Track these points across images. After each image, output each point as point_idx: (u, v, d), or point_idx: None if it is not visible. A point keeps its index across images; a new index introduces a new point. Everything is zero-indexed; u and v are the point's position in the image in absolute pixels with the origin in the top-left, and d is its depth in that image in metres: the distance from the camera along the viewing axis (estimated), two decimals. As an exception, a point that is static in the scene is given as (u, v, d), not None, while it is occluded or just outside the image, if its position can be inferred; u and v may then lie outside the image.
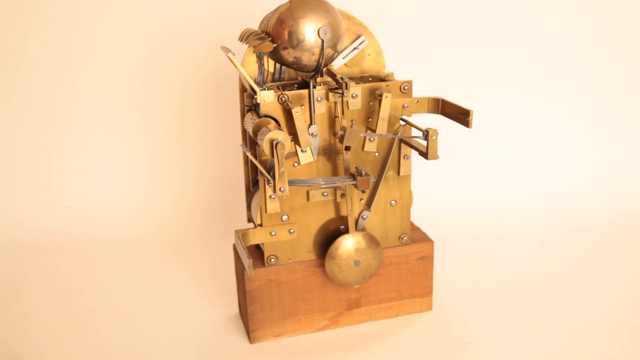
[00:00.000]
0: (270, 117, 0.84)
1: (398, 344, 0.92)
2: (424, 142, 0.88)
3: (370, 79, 0.93)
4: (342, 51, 0.91)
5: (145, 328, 0.98)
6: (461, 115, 0.87)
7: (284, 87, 0.90)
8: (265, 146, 0.78)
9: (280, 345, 0.93)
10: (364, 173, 0.85)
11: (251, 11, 1.28)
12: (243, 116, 0.92)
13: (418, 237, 0.99)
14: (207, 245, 1.25)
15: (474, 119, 1.34)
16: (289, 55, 0.83)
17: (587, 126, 1.48)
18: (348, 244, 0.91)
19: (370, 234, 0.92)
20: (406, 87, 0.89)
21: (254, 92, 0.81)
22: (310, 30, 0.82)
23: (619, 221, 1.31)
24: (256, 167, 0.91)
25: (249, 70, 0.89)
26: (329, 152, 0.88)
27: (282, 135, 0.78)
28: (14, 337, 0.96)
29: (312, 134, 0.85)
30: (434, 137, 0.85)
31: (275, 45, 0.83)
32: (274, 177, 0.79)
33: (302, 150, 0.85)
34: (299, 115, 0.82)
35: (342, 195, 0.90)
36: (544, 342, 0.92)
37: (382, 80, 0.93)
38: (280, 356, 0.90)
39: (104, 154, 1.36)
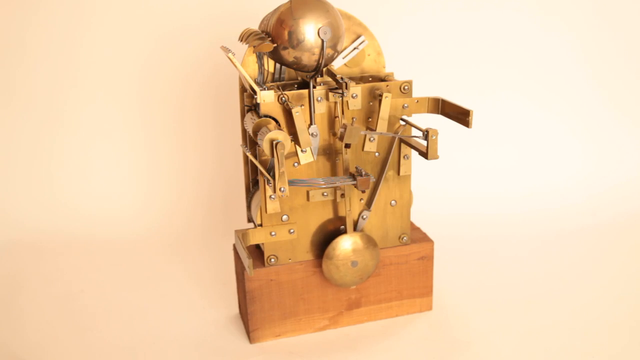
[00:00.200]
0: (270, 117, 0.84)
1: (398, 344, 0.92)
2: (424, 142, 0.88)
3: (370, 79, 0.93)
4: (342, 51, 0.91)
5: (145, 328, 0.98)
6: (461, 115, 0.87)
7: (284, 87, 0.90)
8: (265, 146, 0.78)
9: (280, 345, 0.93)
10: (364, 173, 0.85)
11: (251, 11, 1.27)
12: (243, 116, 0.92)
13: (418, 237, 0.99)
14: (207, 245, 1.25)
15: (474, 119, 1.34)
16: (289, 55, 0.83)
17: (587, 126, 1.48)
18: (346, 244, 0.91)
19: (368, 234, 0.92)
20: (406, 87, 0.89)
21: (254, 92, 0.81)
22: (310, 30, 0.82)
23: (619, 221, 1.31)
24: (256, 167, 0.91)
25: (249, 70, 0.89)
26: (329, 152, 0.88)
27: (282, 135, 0.78)
28: (14, 337, 0.96)
29: (312, 134, 0.85)
30: (434, 137, 0.85)
31: (275, 45, 0.83)
32: (274, 177, 0.79)
33: (302, 150, 0.85)
34: (299, 115, 0.82)
35: (342, 196, 0.90)
36: (544, 342, 0.92)
37: (382, 80, 0.93)
38: (280, 356, 0.90)
39: (104, 154, 1.36)
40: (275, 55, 0.84)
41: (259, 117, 0.84)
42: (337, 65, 0.91)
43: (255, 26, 0.95)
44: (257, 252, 0.96)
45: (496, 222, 1.32)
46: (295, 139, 0.84)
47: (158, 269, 1.16)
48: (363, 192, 0.86)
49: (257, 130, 0.81)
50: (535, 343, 0.92)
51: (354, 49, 0.91)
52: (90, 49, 1.31)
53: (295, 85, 0.90)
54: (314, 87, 0.85)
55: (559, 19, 1.42)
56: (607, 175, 1.45)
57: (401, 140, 0.91)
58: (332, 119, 0.87)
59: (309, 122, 0.85)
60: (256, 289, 0.91)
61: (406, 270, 0.97)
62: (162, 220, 1.33)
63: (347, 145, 0.86)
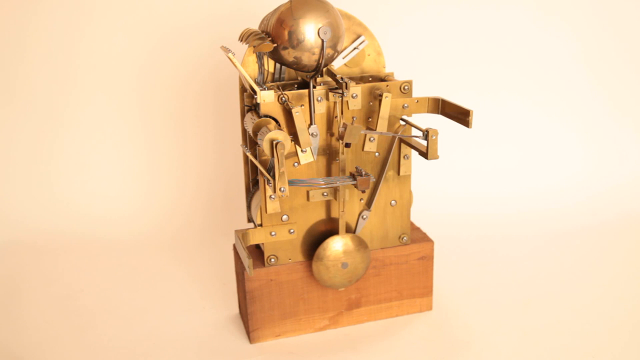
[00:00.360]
0: (270, 117, 0.83)
1: (398, 344, 0.92)
2: (424, 142, 0.88)
3: (370, 79, 0.93)
4: (342, 51, 0.91)
5: (145, 328, 0.98)
6: (461, 115, 0.87)
7: (284, 87, 0.90)
8: (265, 146, 0.78)
9: (280, 345, 0.93)
10: (364, 173, 0.85)
11: (251, 11, 1.28)
12: (243, 116, 0.92)
13: (418, 237, 0.99)
14: (207, 246, 1.25)
15: (474, 119, 1.34)
16: (289, 55, 0.83)
17: (588, 126, 1.48)
18: (336, 245, 0.91)
19: (360, 236, 0.92)
20: (406, 87, 0.89)
21: (254, 92, 0.81)
22: (310, 30, 0.82)
23: (619, 221, 1.31)
24: (256, 167, 0.91)
25: (249, 70, 0.89)
26: (329, 152, 0.88)
27: (282, 135, 0.78)
28: (14, 337, 0.96)
29: (312, 134, 0.85)
30: (434, 137, 0.85)
31: (275, 45, 0.83)
32: (274, 177, 0.79)
33: (302, 150, 0.85)
34: (299, 115, 0.82)
35: (335, 197, 0.90)
36: (544, 342, 0.92)
37: (382, 80, 0.93)
38: (280, 356, 0.90)
39: (104, 154, 1.36)
40: (275, 55, 0.84)
41: (259, 117, 0.84)
42: (337, 65, 0.91)
43: (255, 26, 0.95)
44: (257, 252, 0.96)
45: (496, 222, 1.32)
46: (295, 139, 0.84)
47: (158, 269, 1.16)
48: (363, 192, 0.86)
49: (257, 130, 0.81)
50: (535, 343, 0.92)
51: (354, 49, 0.91)
52: (90, 49, 1.31)
53: (295, 85, 0.90)
54: (314, 87, 0.85)
55: (559, 19, 1.42)
56: (608, 176, 1.45)
57: (401, 140, 0.91)
58: (332, 119, 0.87)
59: (309, 122, 0.85)
60: (256, 289, 0.91)
61: (406, 270, 0.97)
62: (162, 220, 1.33)
63: (347, 145, 0.86)
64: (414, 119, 1.06)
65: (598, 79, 1.46)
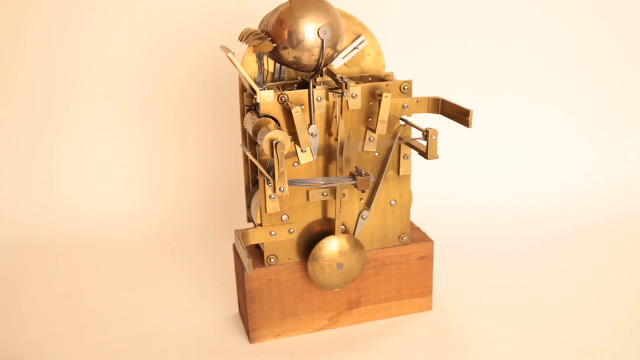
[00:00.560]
0: (270, 117, 0.84)
1: (398, 344, 0.92)
2: (424, 142, 0.88)
3: (370, 79, 0.93)
4: (342, 51, 0.91)
5: (145, 328, 0.98)
6: (461, 115, 0.87)
7: (284, 87, 0.90)
8: (265, 146, 0.78)
9: (280, 345, 0.93)
10: (364, 173, 0.85)
11: (251, 11, 1.28)
12: (243, 116, 0.92)
13: (418, 237, 0.99)
14: (207, 245, 1.25)
15: (475, 119, 1.34)
16: (289, 55, 0.83)
17: (588, 126, 1.48)
18: (332, 246, 0.91)
19: (356, 237, 0.92)
20: (406, 87, 0.89)
21: (254, 92, 0.81)
22: (310, 30, 0.82)
23: (619, 221, 1.31)
24: (256, 167, 0.91)
25: (249, 70, 0.89)
26: (329, 152, 0.88)
27: (282, 135, 0.78)
28: (14, 337, 0.96)
29: (312, 134, 0.85)
30: (434, 137, 0.85)
31: (275, 45, 0.83)
32: (274, 177, 0.79)
33: (302, 150, 0.85)
34: (299, 115, 0.82)
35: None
36: (544, 342, 0.92)
37: (382, 80, 0.93)
38: (280, 356, 0.90)
39: (104, 154, 1.36)
40: (275, 55, 0.84)
41: (259, 117, 0.84)
42: (337, 65, 0.91)
43: (255, 26, 0.95)
44: (257, 252, 0.96)
45: (497, 222, 1.32)
46: (295, 139, 0.84)
47: (158, 269, 1.16)
48: (363, 192, 0.86)
49: (257, 130, 0.81)
50: (535, 343, 0.92)
51: (354, 49, 0.91)
52: (90, 49, 1.31)
53: (295, 85, 0.90)
54: (314, 87, 0.85)
55: (560, 19, 1.42)
56: (608, 176, 1.45)
57: (401, 140, 0.91)
58: (332, 119, 0.87)
59: (309, 122, 0.85)
60: (256, 289, 0.91)
61: (406, 270, 0.97)
62: (162, 220, 1.33)
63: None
64: (414, 119, 1.06)
65: (598, 79, 1.46)
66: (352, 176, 0.86)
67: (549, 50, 1.43)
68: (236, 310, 1.02)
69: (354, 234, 0.93)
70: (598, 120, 1.48)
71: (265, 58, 0.88)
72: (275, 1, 0.99)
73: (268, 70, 0.89)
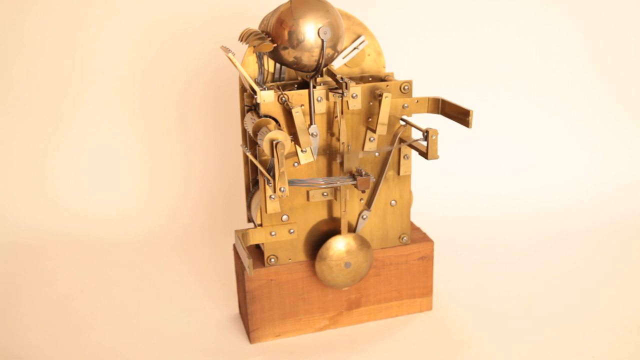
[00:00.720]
0: (270, 117, 0.84)
1: (398, 344, 0.92)
2: (424, 143, 0.88)
3: (370, 79, 0.93)
4: (342, 51, 0.91)
5: (145, 328, 0.98)
6: (461, 115, 0.87)
7: (284, 87, 0.90)
8: (265, 146, 0.78)
9: (280, 345, 0.93)
10: (364, 173, 0.85)
11: (251, 11, 1.28)
12: (243, 116, 0.92)
13: (418, 237, 0.99)
14: (208, 245, 1.25)
15: (477, 119, 1.34)
16: (289, 55, 0.83)
17: (593, 127, 1.47)
18: (339, 245, 0.91)
19: (362, 236, 0.92)
20: (406, 87, 0.89)
21: (254, 92, 0.81)
22: (310, 30, 0.82)
23: (623, 223, 1.30)
24: (256, 167, 0.91)
25: (249, 70, 0.89)
26: (329, 152, 0.88)
27: (282, 135, 0.78)
28: (14, 338, 0.96)
29: (312, 134, 0.85)
30: (434, 137, 0.85)
31: (275, 45, 0.83)
32: (274, 177, 0.79)
33: (302, 150, 0.85)
34: (299, 115, 0.82)
35: (335, 197, 0.90)
36: (544, 343, 0.92)
37: (382, 80, 0.93)
38: (280, 356, 0.90)
39: (104, 155, 1.36)
40: (275, 55, 0.84)
41: (259, 117, 0.84)
42: (337, 65, 0.91)
43: (255, 26, 0.95)
44: (257, 252, 0.96)
45: (497, 223, 1.32)
46: (295, 139, 0.84)
47: (158, 269, 1.16)
48: (363, 192, 0.86)
49: (257, 130, 0.81)
50: (535, 343, 0.92)
51: (354, 49, 0.91)
52: (92, 50, 1.31)
53: (295, 85, 0.90)
54: (314, 87, 0.85)
55: (566, 16, 1.41)
56: (612, 178, 1.44)
57: (401, 140, 0.91)
58: (332, 119, 0.87)
59: (309, 122, 0.85)
60: (256, 289, 0.91)
61: (406, 270, 0.97)
62: (162, 220, 1.33)
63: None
64: (414, 119, 1.06)
65: (605, 80, 1.46)
66: (352, 176, 0.86)
67: (553, 50, 1.43)
68: (236, 310, 1.02)
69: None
70: (604, 121, 1.47)
71: (265, 58, 0.89)
72: (275, 1, 0.99)
73: (268, 70, 0.89)
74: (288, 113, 0.84)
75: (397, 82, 0.88)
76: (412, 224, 1.03)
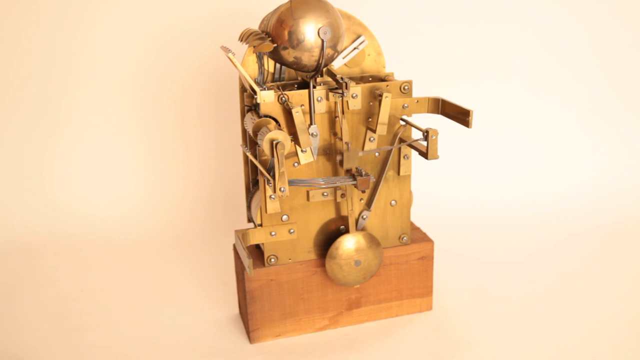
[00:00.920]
0: (270, 117, 0.84)
1: (398, 344, 0.92)
2: (424, 143, 0.88)
3: (370, 79, 0.93)
4: (342, 51, 0.91)
5: (145, 328, 0.98)
6: (461, 115, 0.87)
7: (284, 87, 0.90)
8: (265, 146, 0.78)
9: (280, 345, 0.93)
10: (364, 173, 0.85)
11: (251, 11, 1.28)
12: (243, 116, 0.92)
13: (418, 237, 0.99)
14: (208, 246, 1.25)
15: (477, 119, 1.34)
16: (289, 55, 0.83)
17: (594, 127, 1.47)
18: (349, 243, 0.91)
19: (371, 233, 0.92)
20: (406, 87, 0.89)
21: (254, 92, 0.81)
22: (310, 30, 0.82)
23: (623, 224, 1.30)
24: (256, 167, 0.91)
25: (249, 70, 0.89)
26: (329, 152, 0.88)
27: (282, 135, 0.78)
28: (14, 338, 0.96)
29: (312, 134, 0.85)
30: (434, 137, 0.85)
31: (275, 45, 0.83)
32: (274, 177, 0.79)
33: (302, 150, 0.85)
34: (299, 115, 0.82)
35: (342, 196, 0.90)
36: (544, 343, 0.92)
37: (382, 80, 0.93)
38: (280, 356, 0.90)
39: (105, 155, 1.36)
40: (275, 55, 0.84)
41: (259, 117, 0.84)
42: (337, 65, 0.91)
43: (255, 26, 0.95)
44: (257, 252, 0.96)
45: (497, 224, 1.31)
46: (295, 139, 0.84)
47: (158, 269, 1.16)
48: (363, 192, 0.86)
49: (257, 130, 0.81)
50: (535, 343, 0.92)
51: (354, 49, 0.91)
52: (91, 50, 1.31)
53: (295, 85, 0.91)
54: (314, 87, 0.85)
55: (568, 14, 1.41)
56: (613, 178, 1.44)
57: (401, 140, 0.91)
58: (332, 119, 0.87)
59: (309, 122, 0.85)
60: (256, 289, 0.91)
61: (406, 270, 0.97)
62: (162, 220, 1.33)
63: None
64: (414, 119, 1.06)
65: (607, 80, 1.46)
66: (352, 176, 0.86)
67: (555, 50, 1.43)
68: (236, 310, 1.02)
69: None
70: (605, 121, 1.47)
71: (265, 58, 0.89)
72: (275, 1, 0.99)
73: (268, 70, 0.89)
74: (288, 113, 0.84)
75: (397, 82, 0.88)
76: (412, 224, 1.03)
